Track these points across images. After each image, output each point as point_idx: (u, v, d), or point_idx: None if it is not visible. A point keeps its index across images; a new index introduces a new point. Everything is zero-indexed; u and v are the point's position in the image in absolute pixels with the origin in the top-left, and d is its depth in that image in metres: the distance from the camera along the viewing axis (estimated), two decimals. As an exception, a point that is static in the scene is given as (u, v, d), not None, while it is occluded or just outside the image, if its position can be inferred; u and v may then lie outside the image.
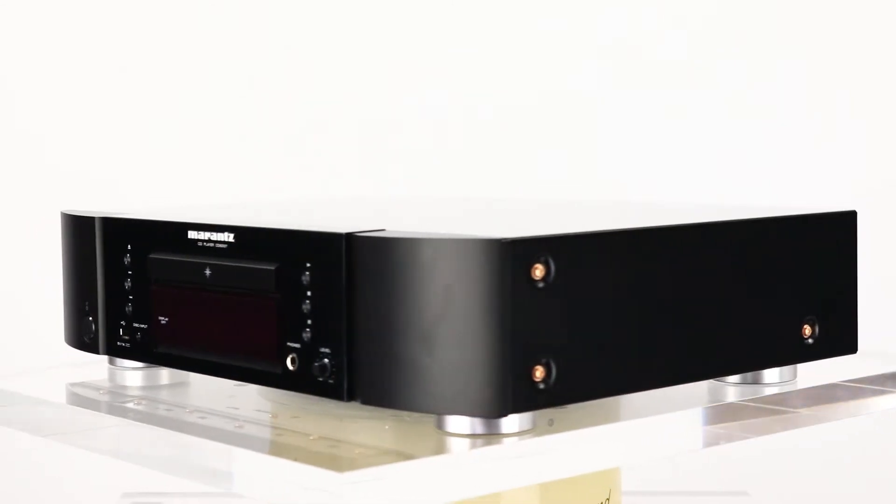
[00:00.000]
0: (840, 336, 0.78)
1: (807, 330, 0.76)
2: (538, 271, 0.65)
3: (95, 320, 0.82)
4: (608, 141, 1.46)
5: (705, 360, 0.72)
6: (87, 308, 0.83)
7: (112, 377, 0.85)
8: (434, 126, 1.46)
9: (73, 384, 0.86)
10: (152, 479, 1.05)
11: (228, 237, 0.74)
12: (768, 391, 0.76)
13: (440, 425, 0.67)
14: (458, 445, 0.66)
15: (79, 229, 0.84)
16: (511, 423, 0.66)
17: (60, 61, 1.45)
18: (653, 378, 0.70)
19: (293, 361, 0.70)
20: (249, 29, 1.46)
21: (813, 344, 0.76)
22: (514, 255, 0.64)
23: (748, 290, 0.73)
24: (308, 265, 0.69)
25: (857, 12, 1.45)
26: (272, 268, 0.71)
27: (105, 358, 0.85)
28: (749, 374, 0.77)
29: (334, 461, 0.66)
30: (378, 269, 0.66)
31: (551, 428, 0.68)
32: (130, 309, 0.80)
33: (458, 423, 0.67)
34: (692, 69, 1.46)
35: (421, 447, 0.67)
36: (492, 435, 0.66)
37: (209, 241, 0.75)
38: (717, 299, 0.72)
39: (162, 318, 0.78)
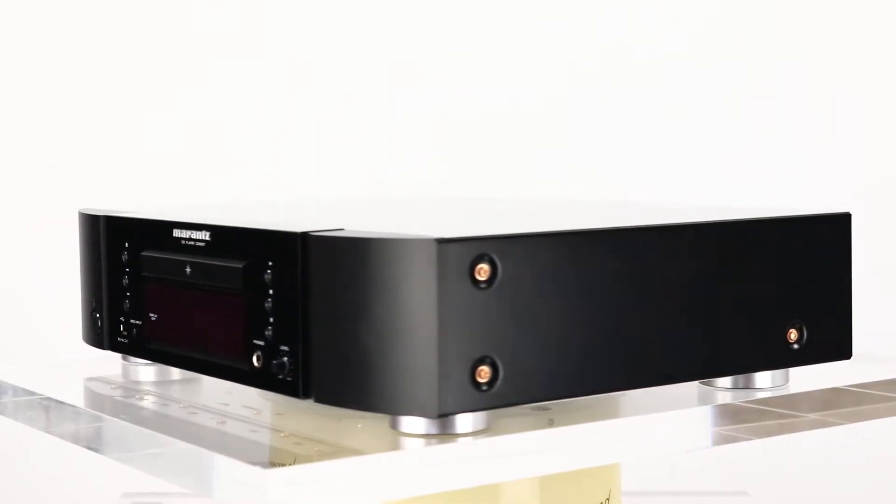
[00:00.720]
0: (832, 341, 0.77)
1: (793, 334, 0.75)
2: (482, 272, 0.65)
3: (102, 316, 0.84)
4: (608, 141, 1.46)
5: (673, 363, 0.71)
6: (94, 304, 0.84)
7: (126, 373, 0.86)
8: (434, 126, 1.46)
9: (89, 378, 0.87)
10: (152, 479, 1.05)
11: (205, 236, 0.75)
12: (759, 395, 0.75)
13: (393, 425, 0.68)
14: (404, 445, 0.66)
15: (89, 228, 0.85)
16: (465, 423, 0.66)
17: (60, 61, 1.45)
18: (613, 380, 0.70)
19: (258, 359, 0.71)
20: (249, 29, 1.46)
21: (799, 349, 0.75)
22: (451, 255, 0.64)
23: (724, 292, 0.73)
24: (270, 264, 0.69)
25: (857, 12, 1.45)
26: (240, 266, 0.71)
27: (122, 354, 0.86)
28: (740, 379, 0.76)
29: (274, 456, 0.67)
30: (330, 269, 0.66)
31: (498, 430, 0.68)
32: (128, 305, 0.81)
33: (410, 423, 0.67)
34: (692, 69, 1.46)
35: (373, 446, 0.67)
36: (445, 435, 0.66)
37: (190, 239, 0.76)
38: (686, 302, 0.71)
39: (152, 315, 0.79)
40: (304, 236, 0.68)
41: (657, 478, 1.34)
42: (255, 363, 0.71)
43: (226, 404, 0.78)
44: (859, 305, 1.47)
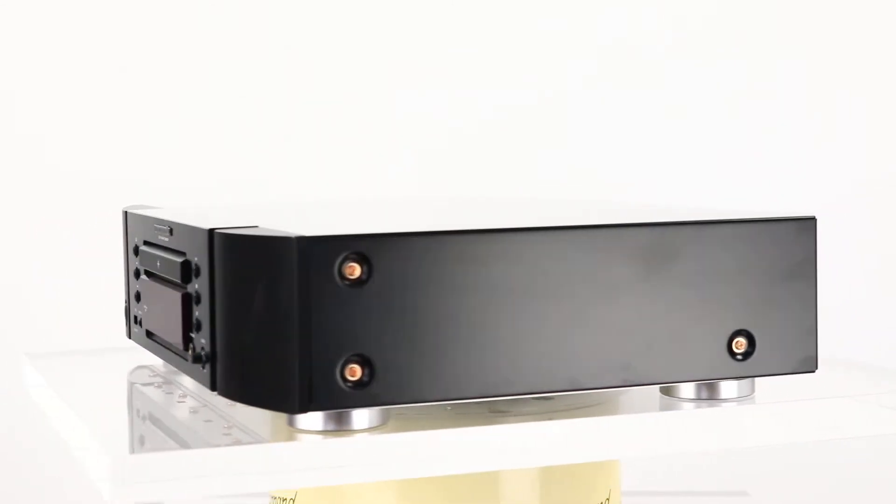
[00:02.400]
0: (791, 353, 0.74)
1: (739, 344, 0.72)
2: (351, 270, 0.65)
3: (128, 309, 0.86)
4: (608, 141, 1.46)
5: (578, 368, 0.69)
6: (126, 297, 0.87)
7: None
8: (433, 126, 1.46)
9: (134, 369, 0.89)
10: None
11: (168, 233, 0.76)
12: (725, 406, 0.73)
13: (289, 422, 0.68)
14: (286, 437, 0.67)
15: (123, 225, 0.88)
16: (360, 419, 0.67)
17: (60, 61, 1.45)
18: (505, 384, 0.68)
19: (192, 351, 0.72)
20: (249, 29, 1.46)
21: (748, 359, 0.72)
22: (314, 252, 0.64)
23: (652, 297, 0.70)
24: (195, 260, 0.71)
25: (856, 12, 1.45)
26: (179, 261, 0.73)
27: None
28: (703, 389, 0.74)
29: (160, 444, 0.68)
30: (228, 265, 0.68)
31: (400, 427, 0.68)
32: (135, 297, 0.84)
33: (304, 420, 0.67)
34: (692, 69, 1.46)
35: (270, 437, 0.68)
36: (340, 431, 0.67)
37: (162, 236, 0.78)
38: (598, 305, 0.69)
39: (145, 306, 0.81)
40: (211, 233, 0.68)
41: (657, 478, 1.35)
42: (191, 356, 0.72)
43: (215, 394, 0.79)
44: (858, 306, 1.47)
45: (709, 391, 0.74)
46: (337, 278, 0.65)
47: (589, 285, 0.70)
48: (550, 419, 0.71)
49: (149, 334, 0.81)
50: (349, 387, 0.65)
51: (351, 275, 0.65)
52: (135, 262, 0.83)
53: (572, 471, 0.79)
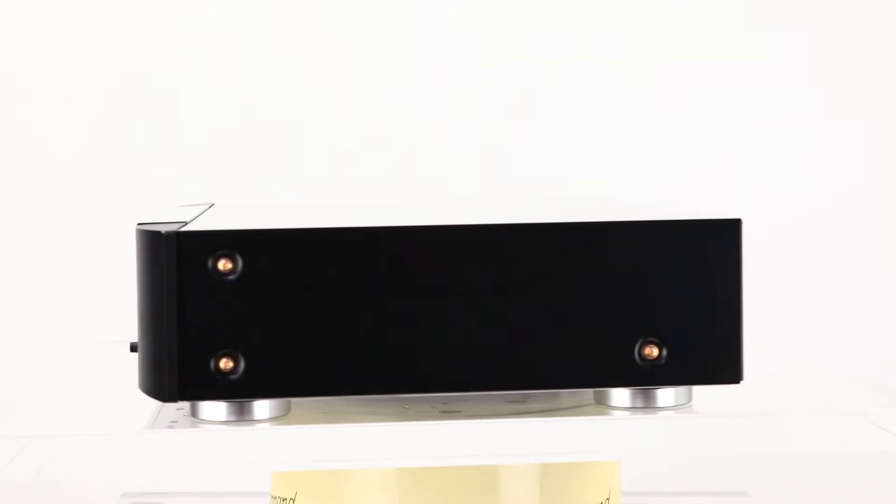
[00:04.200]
0: (711, 362, 0.71)
1: (650, 351, 0.70)
2: (224, 264, 0.67)
3: None
4: (608, 140, 1.46)
5: (454, 370, 0.69)
6: None
7: None
8: (433, 126, 1.46)
9: None
10: (152, 479, 1.05)
11: None
12: (662, 414, 0.72)
13: (191, 412, 0.70)
14: (182, 426, 0.70)
15: None
16: (261, 410, 0.69)
17: (60, 61, 1.45)
18: (380, 383, 0.69)
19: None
20: (249, 30, 1.46)
21: (656, 368, 0.71)
22: (187, 247, 0.67)
23: (545, 301, 0.69)
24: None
25: (857, 13, 1.45)
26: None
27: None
28: (639, 398, 0.73)
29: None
30: (137, 259, 0.71)
31: (323, 418, 0.71)
32: None
33: (208, 410, 0.70)
34: (691, 68, 1.46)
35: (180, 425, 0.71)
36: (241, 421, 0.69)
37: None
38: (482, 307, 0.69)
39: None
40: (137, 228, 0.71)
41: (657, 478, 1.34)
42: (130, 345, 0.75)
43: None
44: (860, 307, 1.46)
45: (644, 399, 0.73)
46: (211, 273, 0.67)
47: (477, 285, 0.69)
48: (476, 420, 0.71)
49: None
50: (222, 378, 0.68)
51: (225, 269, 0.67)
52: None
53: (572, 470, 0.79)
